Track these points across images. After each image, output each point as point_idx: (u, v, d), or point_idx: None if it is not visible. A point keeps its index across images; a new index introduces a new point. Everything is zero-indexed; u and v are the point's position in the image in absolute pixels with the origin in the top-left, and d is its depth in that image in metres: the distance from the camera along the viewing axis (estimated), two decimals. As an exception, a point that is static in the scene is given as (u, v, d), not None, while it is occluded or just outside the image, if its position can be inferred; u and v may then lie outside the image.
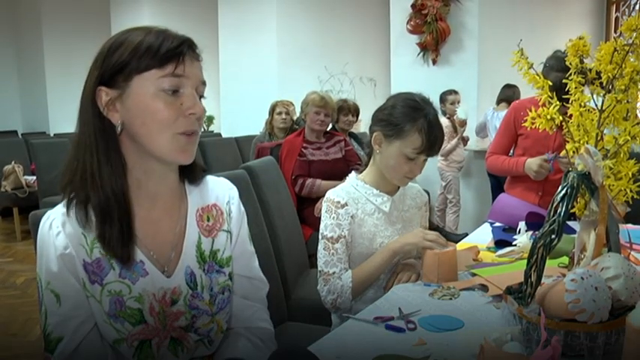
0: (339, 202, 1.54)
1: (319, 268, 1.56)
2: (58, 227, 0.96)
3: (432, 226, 4.57)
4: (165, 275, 1.01)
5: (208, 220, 1.08)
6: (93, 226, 0.95)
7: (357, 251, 1.57)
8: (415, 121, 1.50)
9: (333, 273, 1.53)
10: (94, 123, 0.95)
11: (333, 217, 1.54)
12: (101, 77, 0.94)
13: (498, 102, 4.73)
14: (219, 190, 1.12)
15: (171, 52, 0.92)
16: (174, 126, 0.93)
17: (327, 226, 1.54)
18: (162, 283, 1.00)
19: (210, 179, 1.12)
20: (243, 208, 1.15)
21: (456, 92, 4.69)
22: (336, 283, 1.52)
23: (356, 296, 1.53)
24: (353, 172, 1.67)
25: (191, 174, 1.08)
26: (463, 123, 4.60)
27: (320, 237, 1.56)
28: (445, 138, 4.57)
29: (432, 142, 1.51)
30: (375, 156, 1.60)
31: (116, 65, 0.92)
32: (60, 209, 0.98)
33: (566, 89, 1.51)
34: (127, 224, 0.96)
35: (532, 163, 2.21)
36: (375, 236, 1.57)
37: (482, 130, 4.78)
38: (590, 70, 1.44)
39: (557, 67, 2.04)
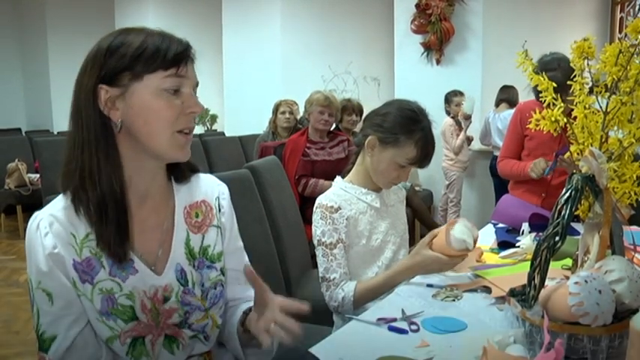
0: (332, 207, 1.55)
1: (320, 274, 1.56)
2: (45, 228, 0.96)
3: (435, 227, 4.58)
4: (155, 273, 1.01)
5: (197, 216, 1.09)
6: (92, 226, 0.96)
7: (354, 250, 1.58)
8: (412, 133, 1.52)
9: (334, 279, 1.53)
10: (94, 121, 0.95)
11: (329, 223, 1.54)
12: (103, 76, 0.94)
13: (497, 103, 4.72)
14: (208, 187, 1.13)
15: (179, 55, 0.95)
16: (175, 124, 0.96)
17: (324, 232, 1.54)
18: (152, 281, 1.01)
19: (198, 176, 1.14)
20: (231, 205, 1.16)
21: (461, 93, 4.68)
22: (338, 293, 1.52)
23: (357, 307, 1.52)
24: (338, 176, 1.68)
25: (180, 172, 1.09)
26: (468, 117, 4.56)
27: (316, 244, 1.56)
28: (451, 135, 4.63)
29: (425, 156, 1.55)
30: (364, 158, 1.61)
31: (120, 65, 0.93)
32: (47, 210, 0.98)
33: (559, 87, 1.52)
34: (124, 223, 0.97)
35: (540, 161, 2.21)
36: (371, 233, 1.58)
37: (486, 137, 4.76)
38: (593, 73, 1.44)
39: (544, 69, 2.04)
